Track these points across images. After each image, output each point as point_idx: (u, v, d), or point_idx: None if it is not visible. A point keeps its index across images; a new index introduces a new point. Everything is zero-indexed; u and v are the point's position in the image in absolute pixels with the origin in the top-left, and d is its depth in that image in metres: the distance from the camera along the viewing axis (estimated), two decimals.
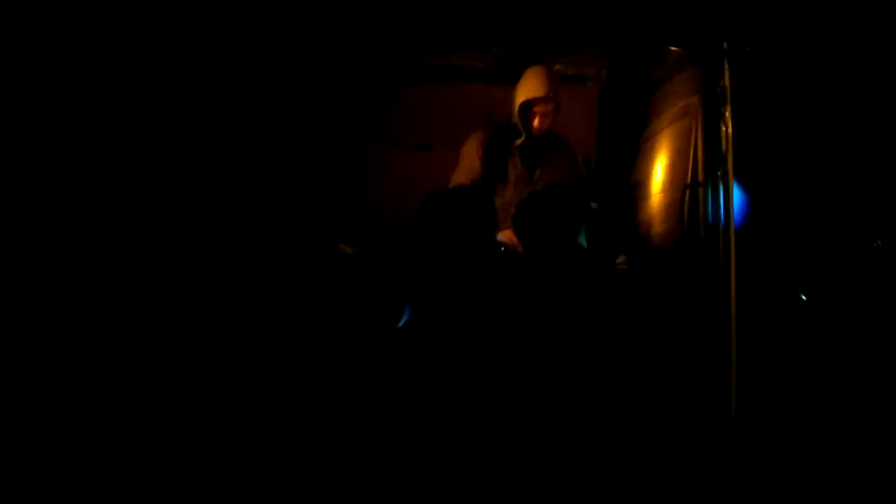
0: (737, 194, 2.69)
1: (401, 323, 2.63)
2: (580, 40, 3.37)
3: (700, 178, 2.90)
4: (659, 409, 2.75)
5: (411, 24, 3.02)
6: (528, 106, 3.21)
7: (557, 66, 3.62)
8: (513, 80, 3.28)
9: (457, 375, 2.60)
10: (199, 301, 2.71)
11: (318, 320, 2.70)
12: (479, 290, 2.69)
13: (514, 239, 3.01)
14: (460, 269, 2.70)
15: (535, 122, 3.23)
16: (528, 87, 3.20)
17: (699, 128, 2.93)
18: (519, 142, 3.27)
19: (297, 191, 3.06)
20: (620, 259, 3.07)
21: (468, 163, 3.27)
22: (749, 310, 2.59)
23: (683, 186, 3.00)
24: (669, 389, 2.78)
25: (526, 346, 2.61)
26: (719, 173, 2.73)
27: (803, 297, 2.67)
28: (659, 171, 3.39)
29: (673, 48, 3.16)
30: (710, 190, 2.80)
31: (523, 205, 2.89)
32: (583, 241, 3.12)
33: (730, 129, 2.71)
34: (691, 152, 3.01)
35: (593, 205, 3.24)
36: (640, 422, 2.70)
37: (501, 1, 2.89)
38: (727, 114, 2.72)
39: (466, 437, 2.55)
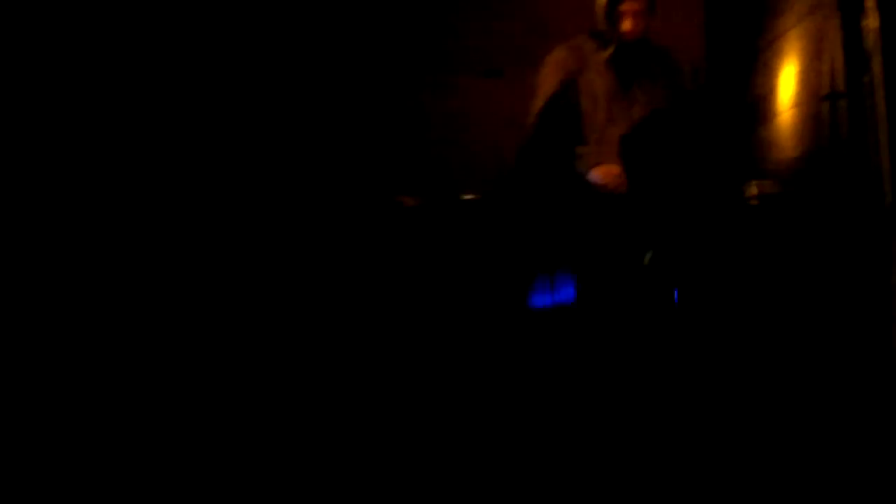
0: (889, 103, 2.66)
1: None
2: None
3: (841, 87, 2.94)
4: (808, 360, 2.86)
5: None
6: (614, 5, 3.15)
7: None
8: None
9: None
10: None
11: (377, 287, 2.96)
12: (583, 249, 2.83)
13: (612, 176, 3.05)
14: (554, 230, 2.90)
15: (626, 25, 3.17)
16: None
17: (836, 23, 2.97)
18: (608, 53, 3.21)
19: (349, 134, 3.41)
20: (752, 191, 3.09)
21: (549, 87, 3.24)
22: None
23: (820, 99, 3.07)
24: (817, 343, 2.87)
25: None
26: (865, 79, 2.76)
27: None
28: (787, 82, 3.44)
29: None
30: (854, 101, 2.83)
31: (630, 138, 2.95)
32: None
33: (876, 23, 2.71)
34: (827, 55, 3.06)
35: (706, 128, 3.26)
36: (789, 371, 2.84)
37: None
38: (871, 3, 2.73)
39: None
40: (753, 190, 3.13)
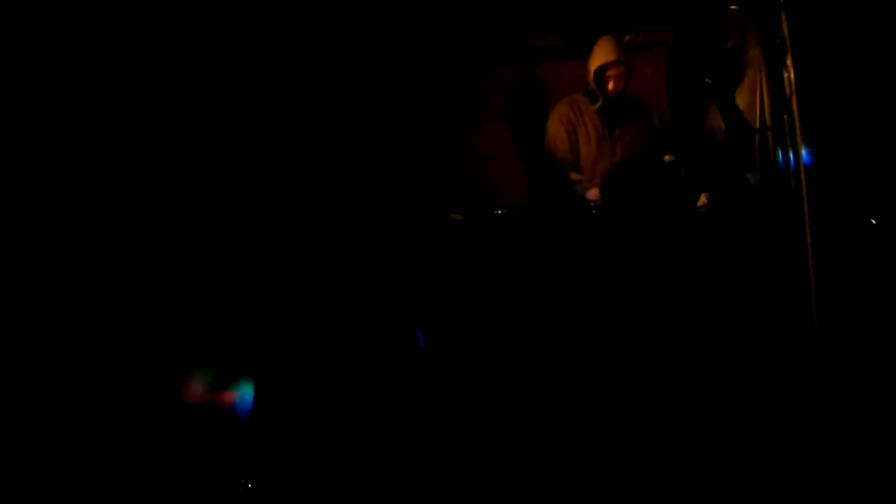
0: (803, 134, 3.02)
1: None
2: (647, 10, 3.90)
3: (768, 122, 3.30)
4: (745, 337, 3.12)
5: (494, 12, 3.71)
6: (601, 71, 3.69)
7: (627, 37, 3.94)
8: (586, 55, 3.75)
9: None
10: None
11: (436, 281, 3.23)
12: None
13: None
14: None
15: (610, 86, 3.70)
16: (600, 54, 3.69)
17: (763, 77, 3.33)
18: (597, 106, 3.77)
19: (407, 170, 3.69)
20: (702, 201, 3.50)
21: (554, 133, 3.83)
22: (823, 235, 2.98)
23: (753, 132, 3.42)
24: (754, 316, 3.15)
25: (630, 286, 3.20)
26: (785, 116, 3.09)
27: (873, 221, 3.05)
28: (730, 120, 3.66)
29: (733, 7, 3.62)
30: (778, 133, 3.16)
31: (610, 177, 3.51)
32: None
33: (792, 75, 3.08)
34: (758, 100, 3.40)
35: (668, 157, 3.68)
36: (730, 348, 3.08)
37: None
38: (788, 62, 3.08)
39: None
40: (704, 200, 3.47)
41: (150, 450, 2.52)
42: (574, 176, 3.75)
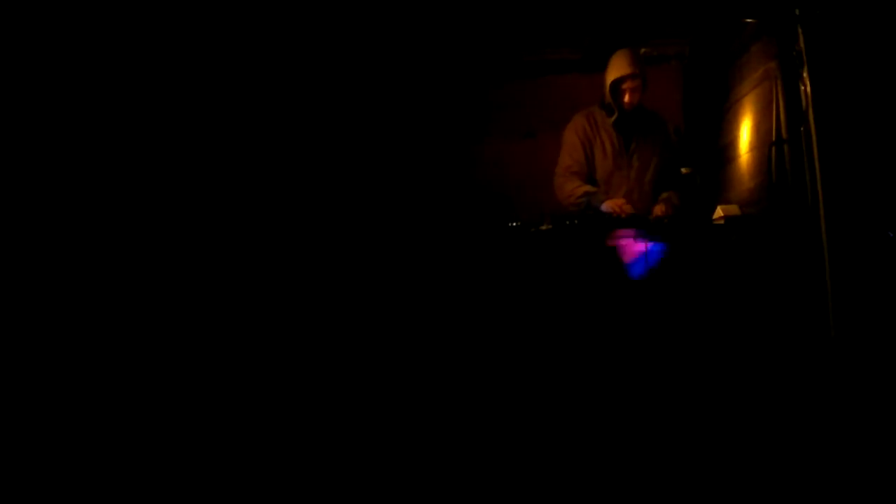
0: (819, 147, 3.01)
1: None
2: (662, 24, 3.88)
3: (784, 135, 3.29)
4: (763, 347, 3.12)
5: (511, 26, 3.71)
6: (617, 84, 3.66)
7: (643, 50, 4.03)
8: (602, 68, 3.75)
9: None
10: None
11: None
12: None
13: (618, 206, 3.57)
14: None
15: (626, 98, 3.67)
16: (616, 67, 3.67)
17: (779, 90, 3.34)
18: (613, 118, 3.74)
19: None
20: (718, 213, 3.48)
21: (570, 145, 3.80)
22: (840, 248, 2.97)
23: (769, 144, 3.43)
24: (771, 328, 3.15)
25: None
26: (802, 129, 3.09)
27: (890, 234, 2.97)
28: (745, 133, 3.88)
29: (748, 20, 3.64)
30: (794, 145, 3.16)
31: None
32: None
33: (808, 88, 3.08)
34: (774, 112, 3.41)
35: (685, 170, 3.69)
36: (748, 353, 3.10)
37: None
38: (805, 74, 3.09)
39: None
40: (720, 213, 3.44)
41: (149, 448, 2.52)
42: (590, 188, 3.71)
